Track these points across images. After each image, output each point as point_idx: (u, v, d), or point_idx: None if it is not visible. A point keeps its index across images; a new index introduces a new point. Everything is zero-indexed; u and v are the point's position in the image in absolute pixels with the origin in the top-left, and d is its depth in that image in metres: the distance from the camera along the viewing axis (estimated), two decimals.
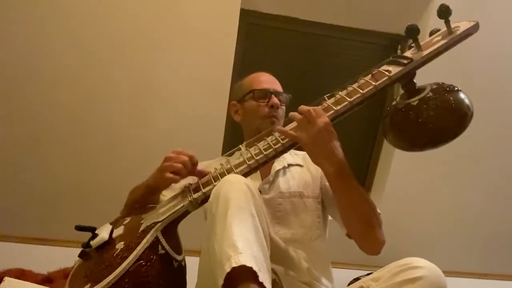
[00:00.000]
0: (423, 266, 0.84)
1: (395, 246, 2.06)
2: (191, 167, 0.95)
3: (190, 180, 1.01)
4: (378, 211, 1.00)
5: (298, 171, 1.20)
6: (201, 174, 0.99)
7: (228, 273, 0.70)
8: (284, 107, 1.22)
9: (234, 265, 0.70)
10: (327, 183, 1.13)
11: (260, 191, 1.12)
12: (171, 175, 0.93)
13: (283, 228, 1.10)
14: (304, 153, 1.26)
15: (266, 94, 1.19)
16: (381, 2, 2.05)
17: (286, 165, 1.19)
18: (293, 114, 0.95)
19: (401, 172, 2.17)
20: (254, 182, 1.12)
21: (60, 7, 1.78)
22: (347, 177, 0.91)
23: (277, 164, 1.18)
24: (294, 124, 0.97)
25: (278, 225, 1.10)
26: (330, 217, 1.19)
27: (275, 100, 1.18)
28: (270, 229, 1.07)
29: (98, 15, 1.81)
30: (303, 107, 0.93)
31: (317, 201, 1.15)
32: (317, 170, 1.18)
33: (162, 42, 1.87)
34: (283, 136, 0.96)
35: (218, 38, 1.89)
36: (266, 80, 1.24)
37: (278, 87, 1.23)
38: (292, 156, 1.24)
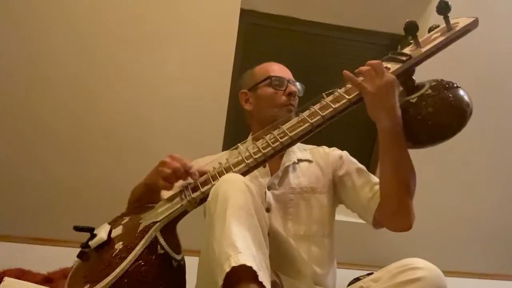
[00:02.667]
0: (423, 267, 0.84)
1: (395, 246, 2.07)
2: (182, 174, 0.93)
3: (190, 179, 1.01)
4: None
5: (308, 166, 1.17)
6: (196, 177, 0.96)
7: (228, 273, 0.70)
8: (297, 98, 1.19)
9: (234, 264, 0.70)
10: (341, 173, 1.13)
11: (269, 187, 1.11)
12: (163, 183, 0.92)
13: (296, 225, 1.08)
14: (312, 147, 1.23)
15: (283, 81, 1.16)
16: (381, 2, 2.05)
17: (296, 161, 1.16)
18: (359, 68, 0.95)
19: None
20: (263, 178, 1.12)
21: (60, 5, 1.78)
22: (400, 136, 0.91)
23: (286, 160, 1.15)
24: (296, 119, 0.97)
25: (290, 222, 1.08)
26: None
27: (292, 87, 1.15)
28: (281, 227, 1.06)
29: (98, 15, 1.81)
30: (372, 61, 0.92)
31: (328, 196, 1.13)
32: (327, 165, 1.16)
33: (162, 42, 1.87)
34: (282, 135, 0.95)
35: (218, 38, 1.89)
36: (281, 69, 1.21)
37: (292, 76, 1.20)
38: (301, 151, 1.20)
